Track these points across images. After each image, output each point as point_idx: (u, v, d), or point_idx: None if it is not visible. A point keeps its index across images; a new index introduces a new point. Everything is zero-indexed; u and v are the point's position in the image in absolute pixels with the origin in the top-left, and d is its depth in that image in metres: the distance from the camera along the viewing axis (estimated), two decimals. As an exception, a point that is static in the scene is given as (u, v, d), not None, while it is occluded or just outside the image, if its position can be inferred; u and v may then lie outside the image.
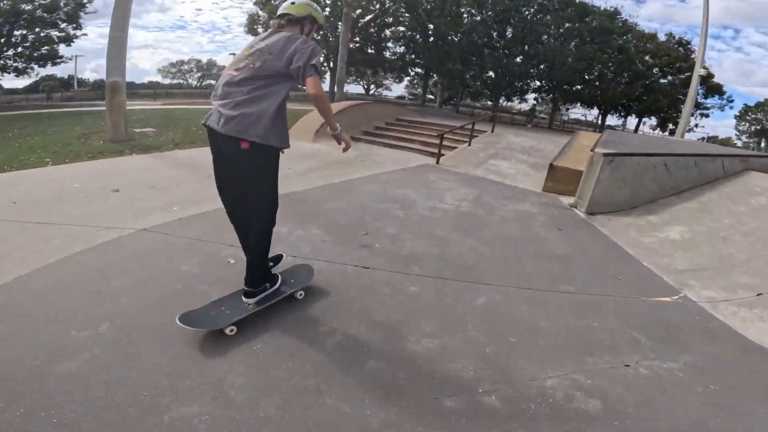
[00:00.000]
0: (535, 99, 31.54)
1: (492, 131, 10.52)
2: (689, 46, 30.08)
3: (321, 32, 22.65)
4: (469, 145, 9.14)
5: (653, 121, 33.70)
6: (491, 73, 27.57)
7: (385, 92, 54.48)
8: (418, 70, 29.49)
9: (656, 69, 29.18)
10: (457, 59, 24.43)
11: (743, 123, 38.52)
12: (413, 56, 27.56)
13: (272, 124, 1.93)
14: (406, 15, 25.40)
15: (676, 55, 29.00)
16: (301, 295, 2.46)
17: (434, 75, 28.57)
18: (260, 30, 24.94)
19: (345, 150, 2.24)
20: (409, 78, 34.38)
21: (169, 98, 29.70)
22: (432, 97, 35.17)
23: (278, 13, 2.15)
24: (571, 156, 6.96)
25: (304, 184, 5.32)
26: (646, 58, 27.93)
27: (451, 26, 23.61)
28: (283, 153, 2.10)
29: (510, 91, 28.92)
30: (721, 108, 36.34)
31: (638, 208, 5.32)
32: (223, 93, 1.97)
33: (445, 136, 8.18)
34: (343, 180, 5.92)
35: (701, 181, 5.56)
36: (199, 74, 55.43)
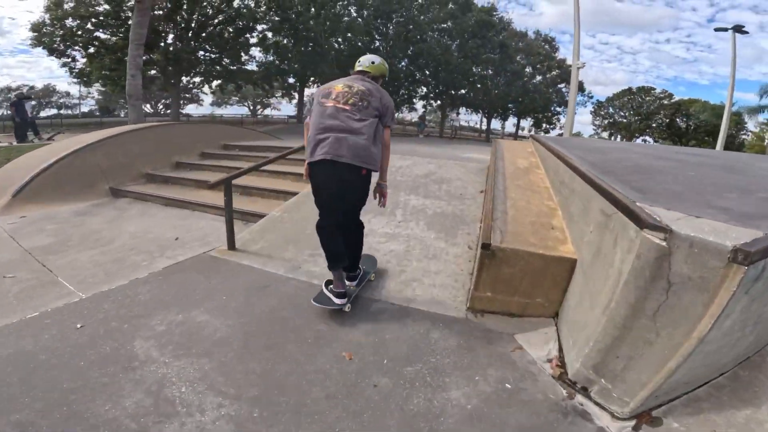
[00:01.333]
0: (424, 106, 29.45)
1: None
2: (554, 43, 30.96)
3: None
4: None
5: (529, 122, 34.50)
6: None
7: (275, 112, 49.11)
8: (291, 80, 25.11)
9: (529, 68, 29.34)
10: (334, 65, 20.85)
11: (597, 117, 41.88)
12: (280, 65, 23.16)
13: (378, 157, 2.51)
14: (276, 18, 21.15)
15: (545, 53, 29.43)
16: (373, 277, 3.03)
17: (313, 85, 24.60)
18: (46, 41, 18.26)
19: (381, 205, 2.80)
20: (278, 88, 29.52)
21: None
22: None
23: (360, 69, 2.67)
24: (520, 205, 3.13)
25: None
26: (518, 58, 27.59)
27: (328, 30, 19.99)
28: None
29: (397, 99, 26.21)
30: (584, 104, 39.16)
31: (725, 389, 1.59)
32: (345, 126, 2.37)
33: (275, 170, 3.88)
34: None
35: None
36: (33, 102, 44.04)
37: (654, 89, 39.53)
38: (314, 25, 20.38)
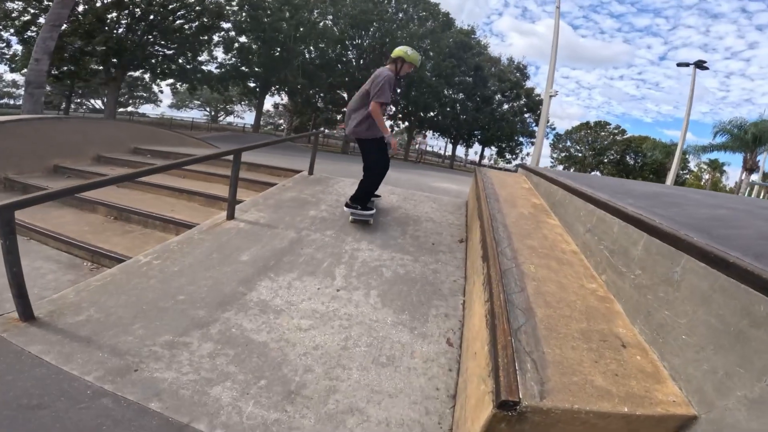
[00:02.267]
0: (391, 127, 28.55)
1: (310, 171, 5.04)
2: (525, 71, 31.29)
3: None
4: (230, 218, 3.41)
5: (492, 151, 34.51)
6: (344, 93, 23.35)
7: (237, 120, 46.76)
8: (252, 84, 23.31)
9: (499, 95, 29.30)
10: (298, 73, 19.46)
11: (555, 150, 43.01)
12: (240, 67, 21.40)
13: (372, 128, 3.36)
14: (244, 17, 19.51)
15: (516, 81, 29.58)
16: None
17: (281, 93, 22.98)
18: None
19: (392, 155, 3.70)
20: (237, 93, 27.59)
21: None
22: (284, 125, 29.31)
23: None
24: (549, 292, 1.69)
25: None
26: (489, 84, 27.47)
27: (301, 35, 18.62)
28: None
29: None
30: (546, 136, 39.98)
31: None
32: (350, 108, 3.51)
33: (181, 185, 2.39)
34: None
35: None
36: None
37: (609, 124, 41.18)
38: (286, 28, 18.95)
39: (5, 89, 42.58)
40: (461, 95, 25.95)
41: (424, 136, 24.82)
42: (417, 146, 26.33)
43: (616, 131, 40.52)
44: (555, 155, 42.95)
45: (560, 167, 42.58)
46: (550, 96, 17.61)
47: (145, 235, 3.50)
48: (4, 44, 17.74)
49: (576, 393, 1.14)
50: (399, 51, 3.35)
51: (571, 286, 1.79)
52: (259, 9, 19.36)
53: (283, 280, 2.55)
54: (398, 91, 3.16)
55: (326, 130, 29.88)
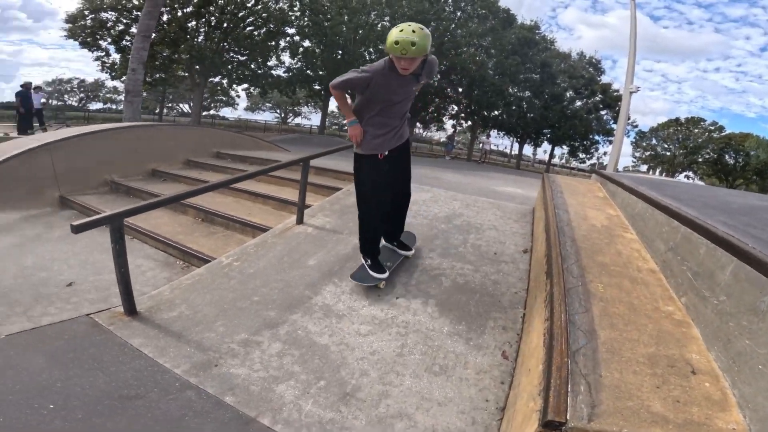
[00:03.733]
0: (454, 126, 28.10)
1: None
2: (599, 65, 28.96)
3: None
4: (300, 222, 3.64)
5: (563, 150, 32.27)
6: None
7: (305, 121, 49.08)
8: (317, 86, 24.33)
9: (571, 92, 27.43)
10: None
11: (638, 149, 39.22)
12: (305, 70, 22.47)
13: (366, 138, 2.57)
14: (309, 24, 20.59)
15: (589, 77, 27.51)
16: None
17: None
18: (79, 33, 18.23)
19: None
20: (304, 96, 28.85)
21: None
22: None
23: None
24: (617, 313, 1.58)
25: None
26: (558, 81, 25.83)
27: (360, 38, 19.19)
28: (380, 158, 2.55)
29: (426, 116, 25.06)
30: (627, 134, 36.59)
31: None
32: None
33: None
34: None
35: None
36: (81, 95, 46.03)
37: (703, 120, 36.71)
38: (345, 31, 19.55)
39: (107, 95, 48.43)
40: (527, 93, 24.75)
41: (488, 136, 24.03)
42: (481, 146, 25.62)
43: (712, 128, 36.05)
44: (638, 154, 39.33)
45: (644, 167, 38.87)
46: (631, 92, 16.15)
47: (227, 236, 3.87)
48: (104, 53, 20.09)
49: (628, 417, 1.09)
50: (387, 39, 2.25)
51: (644, 308, 1.68)
52: (319, 14, 20.10)
53: (346, 286, 2.68)
54: (414, 90, 2.55)
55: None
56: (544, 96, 24.74)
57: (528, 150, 34.81)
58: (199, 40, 19.91)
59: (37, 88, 12.47)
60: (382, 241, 2.91)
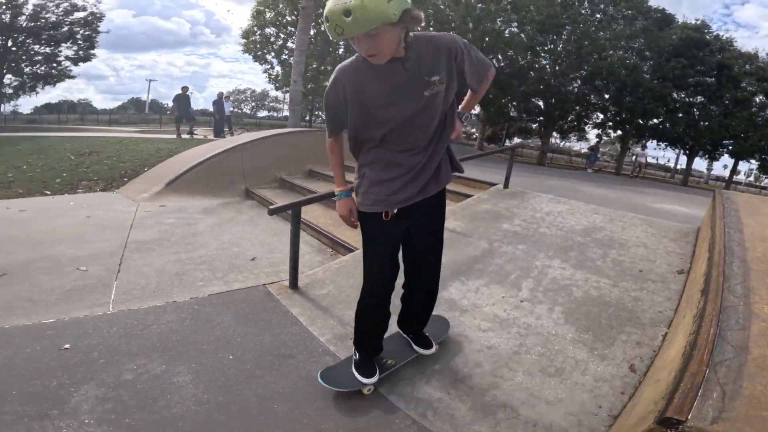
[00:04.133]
0: (598, 136, 25.23)
1: (506, 185, 5.12)
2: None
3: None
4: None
5: (751, 165, 25.62)
6: (540, 101, 22.22)
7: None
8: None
9: (761, 96, 21.91)
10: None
11: None
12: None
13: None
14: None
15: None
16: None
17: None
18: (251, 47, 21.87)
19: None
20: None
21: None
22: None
23: None
24: None
25: None
26: (743, 84, 20.89)
27: (487, 45, 19.07)
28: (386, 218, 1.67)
29: (564, 125, 23.18)
30: None
31: None
32: None
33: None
34: None
35: None
36: (253, 104, 56.38)
37: None
38: (472, 38, 19.48)
39: (271, 104, 57.23)
40: (699, 98, 20.74)
41: (644, 147, 20.86)
42: (634, 158, 22.35)
43: None
44: None
45: None
46: None
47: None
48: (269, 66, 23.78)
49: (757, 425, 1.01)
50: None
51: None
52: (444, 23, 20.30)
53: (472, 285, 2.83)
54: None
55: (520, 140, 28.88)
56: (724, 102, 20.42)
57: (700, 164, 29.01)
58: (341, 53, 22.25)
59: (227, 98, 15.68)
60: (395, 327, 2.14)
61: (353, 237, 4.04)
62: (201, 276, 3.16)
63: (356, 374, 1.86)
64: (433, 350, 2.11)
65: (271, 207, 2.65)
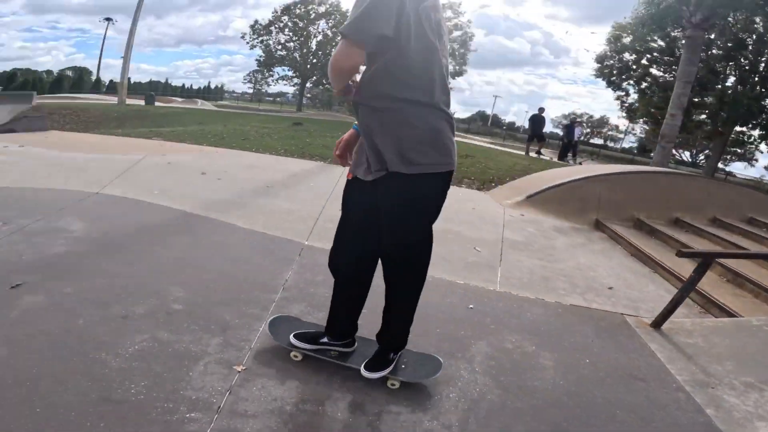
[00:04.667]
0: None
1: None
2: None
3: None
4: None
5: None
6: None
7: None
8: None
9: None
10: None
11: None
12: None
13: None
14: None
15: None
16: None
17: None
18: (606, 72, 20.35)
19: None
20: None
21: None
22: None
23: None
24: None
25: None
26: None
27: None
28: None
29: None
30: None
31: None
32: None
33: None
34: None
35: None
36: (587, 129, 54.75)
37: None
38: None
39: (609, 132, 51.73)
40: None
41: None
42: None
43: None
44: None
45: None
46: None
47: (755, 304, 3.61)
48: (624, 93, 21.42)
49: None
50: None
51: None
52: None
53: None
54: None
55: None
56: None
57: None
58: (728, 84, 17.26)
59: (579, 123, 15.66)
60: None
61: (735, 303, 3.42)
62: (562, 286, 3.56)
63: (292, 338, 1.91)
64: (377, 375, 1.79)
65: (683, 250, 2.66)
